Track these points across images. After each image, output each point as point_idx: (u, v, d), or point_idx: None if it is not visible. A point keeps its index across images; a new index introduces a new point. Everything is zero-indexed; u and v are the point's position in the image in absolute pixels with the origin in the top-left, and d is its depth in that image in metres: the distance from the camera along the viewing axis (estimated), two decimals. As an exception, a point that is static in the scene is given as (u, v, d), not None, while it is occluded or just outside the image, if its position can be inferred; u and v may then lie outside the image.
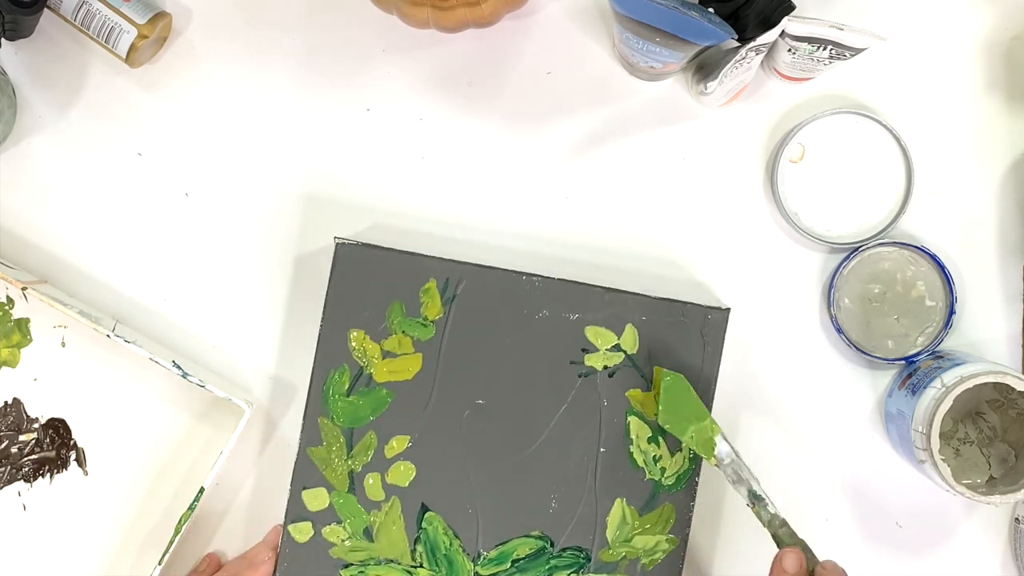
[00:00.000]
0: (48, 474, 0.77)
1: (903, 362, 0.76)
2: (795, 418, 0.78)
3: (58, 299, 0.73)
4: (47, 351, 0.77)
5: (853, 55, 0.70)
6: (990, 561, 0.78)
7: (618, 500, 0.74)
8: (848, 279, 0.76)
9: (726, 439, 0.70)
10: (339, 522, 0.73)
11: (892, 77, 0.78)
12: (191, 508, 0.73)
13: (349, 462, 0.73)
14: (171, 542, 0.73)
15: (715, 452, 0.70)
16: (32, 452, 0.77)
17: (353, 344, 0.73)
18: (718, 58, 0.73)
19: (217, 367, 0.78)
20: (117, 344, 0.73)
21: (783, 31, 0.68)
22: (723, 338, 0.74)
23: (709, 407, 0.73)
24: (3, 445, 0.77)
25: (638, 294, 0.74)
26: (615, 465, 0.74)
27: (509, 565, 0.74)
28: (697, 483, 0.74)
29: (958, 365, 0.72)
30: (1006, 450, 0.75)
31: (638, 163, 0.78)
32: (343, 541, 0.73)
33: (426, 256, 0.74)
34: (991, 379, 0.69)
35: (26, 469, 0.77)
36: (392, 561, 0.73)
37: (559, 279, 0.74)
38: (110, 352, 0.77)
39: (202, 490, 0.73)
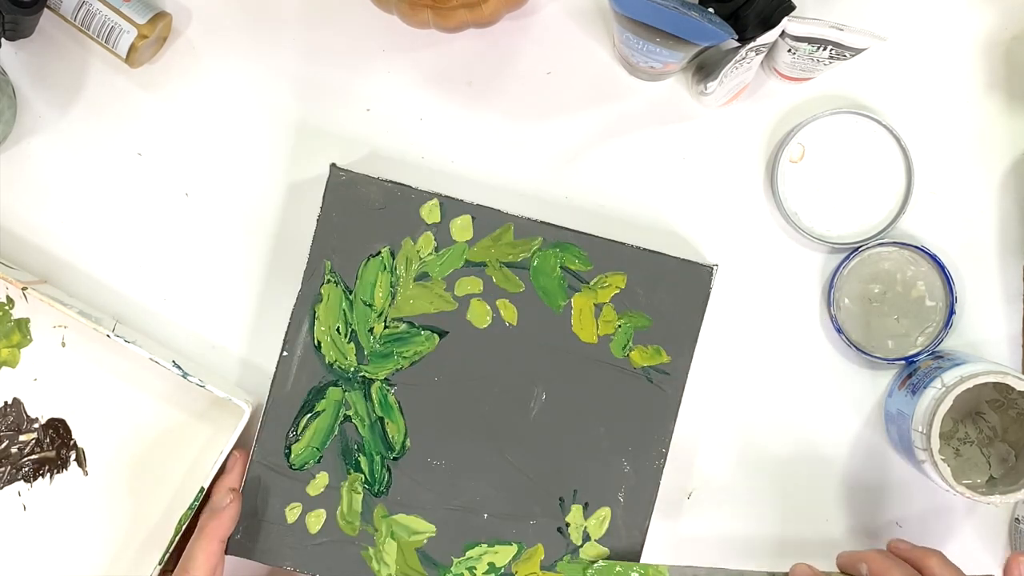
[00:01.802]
0: (48, 474, 0.77)
1: (903, 362, 0.76)
2: (795, 418, 0.78)
3: (58, 299, 0.73)
4: (47, 351, 0.77)
5: (853, 55, 0.70)
6: (990, 561, 0.78)
7: (432, 527, 0.74)
8: (848, 279, 0.76)
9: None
10: (437, 251, 0.74)
11: (892, 77, 0.78)
12: (191, 508, 0.73)
13: (496, 263, 0.74)
14: (171, 542, 0.73)
15: None
16: (32, 452, 0.77)
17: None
18: (718, 58, 0.73)
19: (217, 367, 0.78)
20: (117, 344, 0.73)
21: (783, 31, 0.68)
22: (708, 292, 0.74)
23: (690, 357, 0.74)
24: (3, 445, 0.77)
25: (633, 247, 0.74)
26: (468, 530, 0.74)
27: (378, 415, 0.74)
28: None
29: (958, 365, 0.72)
30: (1006, 450, 0.75)
31: (638, 163, 0.78)
32: (419, 252, 0.74)
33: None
34: (991, 379, 0.69)
35: (26, 469, 0.77)
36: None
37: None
38: (110, 352, 0.77)
39: (202, 490, 0.73)
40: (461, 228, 0.74)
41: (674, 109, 0.78)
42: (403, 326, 0.74)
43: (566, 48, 0.78)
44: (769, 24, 0.68)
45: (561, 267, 0.74)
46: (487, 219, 0.74)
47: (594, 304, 0.74)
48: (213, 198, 0.78)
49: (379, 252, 0.74)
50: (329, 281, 0.74)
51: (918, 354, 0.76)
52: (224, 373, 0.78)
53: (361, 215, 0.74)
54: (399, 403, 0.74)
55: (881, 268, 0.76)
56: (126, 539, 0.77)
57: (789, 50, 0.70)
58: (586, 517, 0.74)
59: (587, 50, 0.78)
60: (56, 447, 0.77)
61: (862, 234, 0.77)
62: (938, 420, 0.69)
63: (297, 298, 0.74)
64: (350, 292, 0.74)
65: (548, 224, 0.74)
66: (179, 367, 0.73)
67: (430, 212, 0.74)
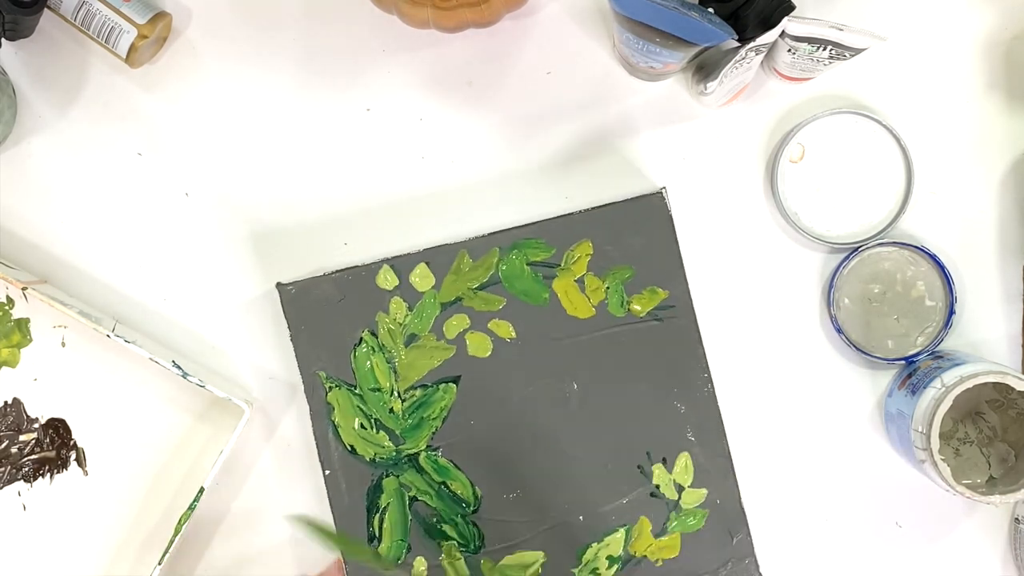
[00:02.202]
0: (48, 474, 0.77)
1: (903, 362, 0.76)
2: (795, 418, 0.78)
3: (58, 299, 0.73)
4: (47, 351, 0.77)
5: (853, 55, 0.70)
6: (990, 561, 0.78)
7: (540, 553, 0.74)
8: (848, 279, 0.76)
9: None
10: (411, 309, 0.74)
11: (892, 77, 0.78)
12: (191, 508, 0.73)
13: (469, 291, 0.75)
14: (171, 542, 0.73)
15: None
16: (32, 452, 0.77)
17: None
18: (718, 58, 0.73)
19: (217, 367, 0.78)
20: (117, 344, 0.73)
21: (783, 31, 0.68)
22: (670, 216, 0.74)
23: (685, 282, 0.74)
24: (3, 445, 0.77)
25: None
26: (572, 538, 0.74)
27: (439, 480, 0.74)
28: None
29: (958, 365, 0.72)
30: (1006, 450, 0.75)
31: (638, 163, 0.78)
32: (395, 319, 0.74)
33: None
34: (991, 379, 0.69)
35: (26, 469, 0.77)
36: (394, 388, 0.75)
37: None
38: (110, 352, 0.77)
39: (202, 490, 0.73)
40: (422, 278, 0.74)
41: (674, 109, 0.78)
42: (418, 391, 0.75)
43: (566, 48, 0.78)
44: (769, 24, 0.68)
45: (528, 264, 0.74)
46: (440, 257, 0.75)
47: (574, 280, 0.74)
48: (213, 198, 0.78)
49: (361, 339, 0.74)
50: (331, 388, 0.74)
51: (918, 354, 0.76)
52: (224, 373, 0.78)
53: (326, 315, 0.74)
54: (451, 461, 0.75)
55: (881, 268, 0.76)
56: (126, 539, 0.77)
57: (789, 50, 0.70)
58: (670, 471, 0.74)
59: (587, 50, 0.78)
60: (56, 447, 0.77)
61: (862, 234, 0.77)
62: (938, 420, 0.69)
63: (311, 418, 0.74)
64: (354, 388, 0.74)
65: (496, 233, 0.75)
66: (179, 367, 0.73)
67: (386, 279, 0.74)
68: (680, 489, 0.75)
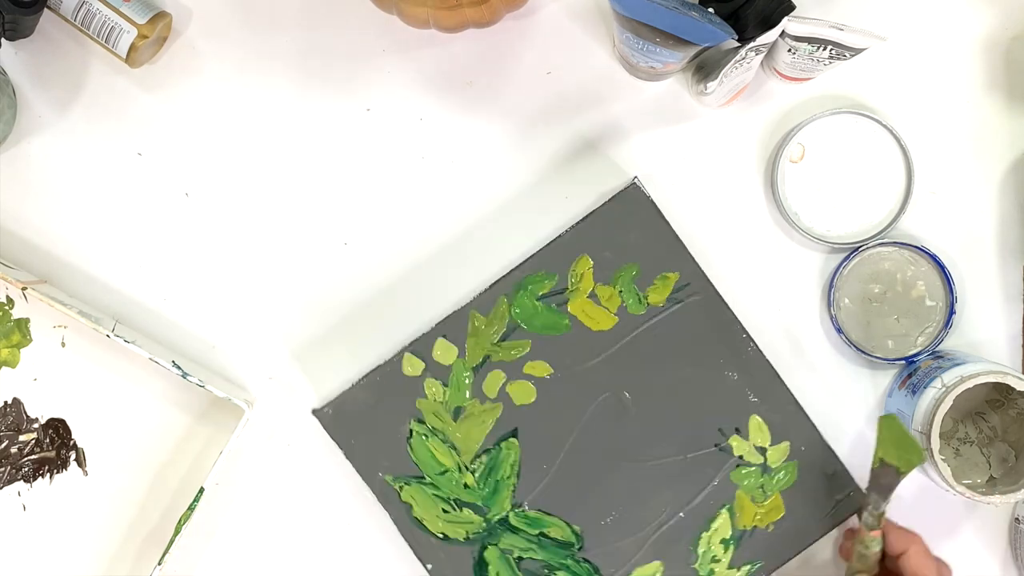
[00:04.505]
0: (48, 474, 0.77)
1: (903, 362, 0.76)
2: (795, 418, 0.78)
3: (58, 299, 0.73)
4: (47, 351, 0.77)
5: (853, 55, 0.70)
6: (990, 561, 0.78)
7: (657, 563, 0.74)
8: (848, 279, 0.76)
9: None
10: (445, 384, 0.74)
11: (892, 77, 0.78)
12: (191, 508, 0.73)
13: (493, 346, 0.74)
14: (171, 542, 0.73)
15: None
16: (32, 452, 0.77)
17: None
18: (718, 58, 0.73)
19: (217, 367, 0.78)
20: (117, 344, 0.73)
21: (783, 31, 0.68)
22: (651, 201, 0.74)
23: (690, 257, 0.75)
24: (3, 445, 0.77)
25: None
26: (680, 536, 0.75)
27: (536, 533, 0.74)
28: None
29: (958, 365, 0.72)
30: (1006, 450, 0.75)
31: (638, 163, 0.78)
32: (435, 400, 0.74)
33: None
34: (991, 379, 0.69)
35: (26, 469, 0.77)
36: (454, 447, 0.74)
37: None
38: (110, 352, 0.77)
39: (202, 490, 0.73)
40: (444, 352, 0.75)
41: (674, 109, 0.78)
42: (483, 458, 0.75)
43: (566, 48, 0.78)
44: (769, 24, 0.68)
45: (537, 299, 0.75)
46: (454, 325, 0.75)
47: (587, 297, 0.74)
48: (213, 198, 0.78)
49: (411, 431, 0.74)
50: (402, 488, 0.74)
51: (918, 354, 0.76)
52: (224, 373, 0.78)
53: (370, 421, 0.74)
54: (540, 510, 0.75)
55: (881, 268, 0.76)
56: (126, 539, 0.77)
57: (789, 50, 0.70)
58: (747, 438, 0.75)
59: (587, 50, 0.78)
60: (56, 447, 0.77)
61: (862, 234, 0.77)
62: (938, 420, 0.69)
63: (395, 523, 0.74)
64: (423, 478, 0.74)
65: (497, 282, 0.75)
66: (179, 367, 0.73)
67: (412, 366, 0.74)
68: (763, 451, 0.75)
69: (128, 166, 0.78)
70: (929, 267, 0.76)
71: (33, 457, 0.77)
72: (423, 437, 0.74)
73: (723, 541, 0.75)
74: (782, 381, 0.75)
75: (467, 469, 0.75)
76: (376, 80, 0.78)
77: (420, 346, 0.74)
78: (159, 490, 0.77)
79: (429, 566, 0.74)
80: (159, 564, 0.73)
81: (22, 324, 0.77)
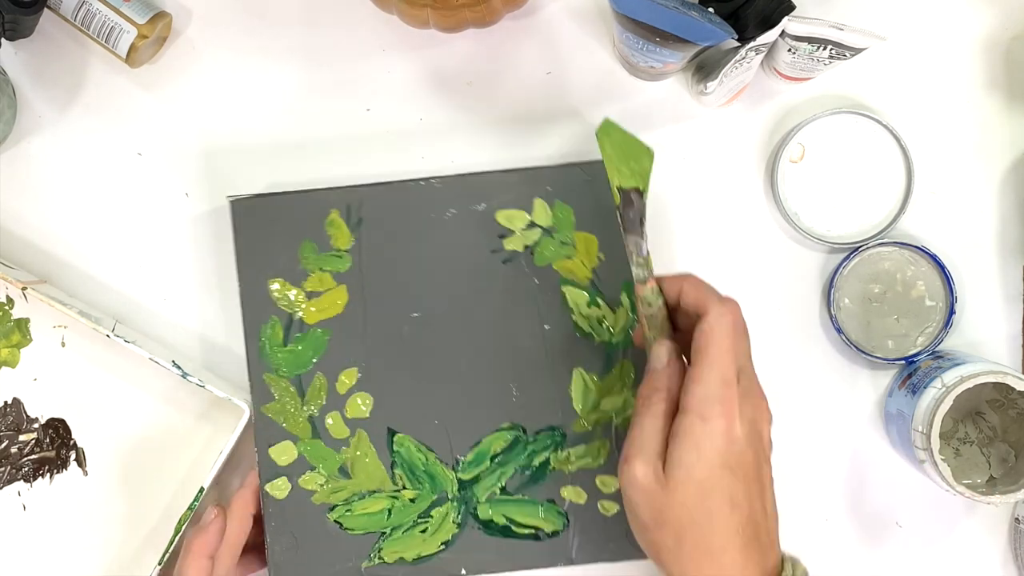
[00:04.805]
0: (48, 474, 0.77)
1: (903, 362, 0.76)
2: (795, 418, 0.78)
3: (58, 299, 0.73)
4: (47, 351, 0.77)
5: (853, 55, 0.70)
6: (990, 561, 0.78)
7: (576, 371, 0.74)
8: (848, 279, 0.76)
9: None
10: (312, 468, 0.74)
11: (892, 77, 0.78)
12: (191, 508, 0.73)
13: (305, 409, 0.74)
14: (171, 542, 0.73)
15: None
16: (32, 452, 0.77)
17: (275, 294, 0.74)
18: (718, 58, 0.73)
19: (217, 367, 0.78)
20: (117, 344, 0.73)
21: (783, 31, 0.68)
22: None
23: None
24: (3, 445, 0.77)
25: (537, 167, 0.74)
26: (562, 338, 0.74)
27: (488, 463, 0.74)
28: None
29: (958, 365, 0.72)
30: (1006, 450, 0.75)
31: (638, 163, 0.78)
32: (321, 485, 0.74)
33: (322, 189, 0.74)
34: (991, 379, 0.69)
35: (26, 469, 0.77)
36: (375, 491, 0.74)
37: (456, 175, 0.74)
38: (110, 352, 0.77)
39: (202, 490, 0.73)
40: (284, 451, 0.74)
41: (674, 109, 0.78)
42: (397, 471, 0.74)
43: (566, 48, 0.78)
44: (769, 24, 0.68)
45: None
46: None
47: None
48: (213, 198, 0.78)
49: (337, 523, 0.73)
50: (381, 551, 0.73)
51: (918, 354, 0.76)
52: (224, 373, 0.78)
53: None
54: (470, 457, 0.74)
55: (881, 268, 0.76)
56: (126, 539, 0.77)
57: (789, 50, 0.70)
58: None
59: (587, 50, 0.78)
60: (56, 447, 0.77)
61: (862, 234, 0.77)
62: (938, 420, 0.70)
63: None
64: (385, 534, 0.74)
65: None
66: (179, 367, 0.73)
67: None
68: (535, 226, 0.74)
69: (128, 166, 0.78)
70: (929, 267, 0.76)
71: (33, 457, 0.77)
72: (347, 514, 0.74)
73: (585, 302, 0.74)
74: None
75: (398, 493, 0.74)
76: (376, 80, 0.78)
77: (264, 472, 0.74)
78: (159, 490, 0.77)
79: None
80: (159, 564, 0.73)
81: (22, 324, 0.77)
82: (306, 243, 0.74)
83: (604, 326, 0.74)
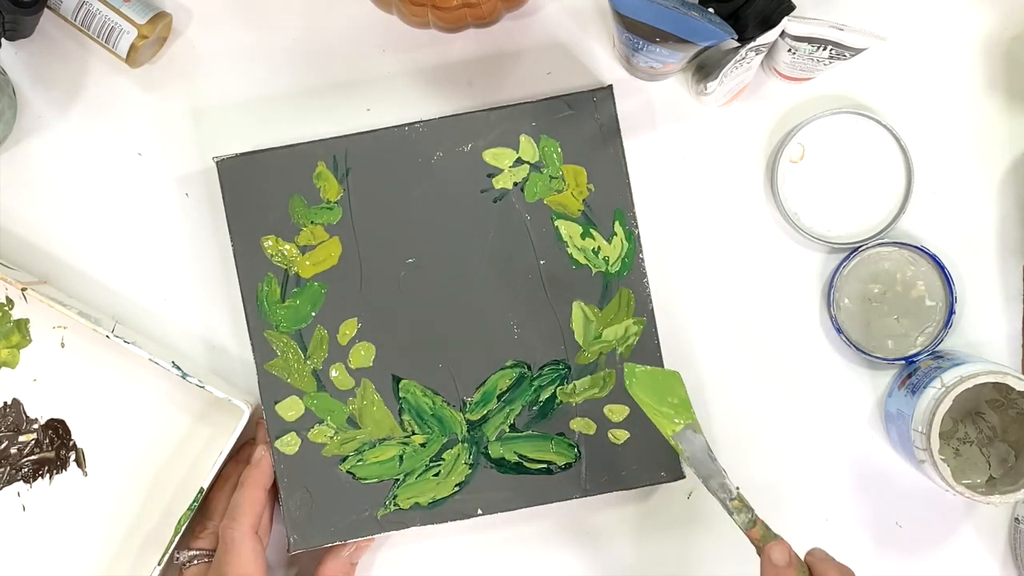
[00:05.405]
0: (48, 475, 0.77)
1: (903, 362, 0.76)
2: (795, 418, 0.78)
3: (58, 300, 0.73)
4: (47, 352, 0.77)
5: (853, 55, 0.70)
6: (990, 561, 0.78)
7: (575, 303, 0.75)
8: (848, 279, 0.76)
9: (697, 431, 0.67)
10: (320, 422, 0.74)
11: (892, 77, 0.78)
12: (191, 508, 0.73)
13: (309, 363, 0.74)
14: (171, 542, 0.73)
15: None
16: (32, 453, 0.77)
17: (269, 251, 0.74)
18: (718, 58, 0.73)
19: (217, 367, 0.78)
20: (117, 344, 0.73)
21: (783, 31, 0.68)
22: (615, 114, 0.75)
23: (625, 182, 0.74)
24: (3, 446, 0.77)
25: (520, 103, 0.75)
26: (559, 272, 0.75)
27: (496, 402, 0.75)
28: (643, 259, 0.75)
29: (958, 365, 0.72)
30: (1006, 450, 0.75)
31: (638, 163, 0.78)
32: (331, 438, 0.74)
33: (307, 143, 0.75)
34: (991, 379, 0.69)
35: (25, 470, 0.77)
36: (385, 439, 0.74)
37: (440, 117, 0.75)
38: (110, 352, 0.77)
39: (202, 490, 0.73)
40: (291, 406, 0.75)
41: (674, 109, 0.78)
42: (404, 417, 0.74)
43: (566, 48, 0.78)
44: (769, 24, 0.68)
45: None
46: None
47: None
48: (213, 198, 0.78)
49: (351, 473, 0.74)
50: (396, 497, 0.74)
51: (918, 354, 0.76)
52: (224, 373, 0.78)
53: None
54: (477, 399, 0.75)
55: (881, 268, 0.76)
56: (126, 539, 0.77)
57: (789, 50, 0.70)
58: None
59: (587, 50, 0.78)
60: (56, 448, 0.77)
61: (862, 234, 0.77)
62: (938, 420, 0.70)
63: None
64: (398, 481, 0.74)
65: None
66: (179, 367, 0.73)
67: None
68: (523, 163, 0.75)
69: (128, 166, 0.78)
70: (929, 267, 0.76)
71: (33, 457, 0.77)
72: (359, 464, 0.74)
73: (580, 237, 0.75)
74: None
75: (408, 439, 0.74)
76: (376, 80, 0.78)
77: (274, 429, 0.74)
78: (159, 490, 0.77)
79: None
80: (159, 564, 0.73)
81: (22, 325, 0.77)
82: (295, 197, 0.74)
83: (600, 256, 0.75)
